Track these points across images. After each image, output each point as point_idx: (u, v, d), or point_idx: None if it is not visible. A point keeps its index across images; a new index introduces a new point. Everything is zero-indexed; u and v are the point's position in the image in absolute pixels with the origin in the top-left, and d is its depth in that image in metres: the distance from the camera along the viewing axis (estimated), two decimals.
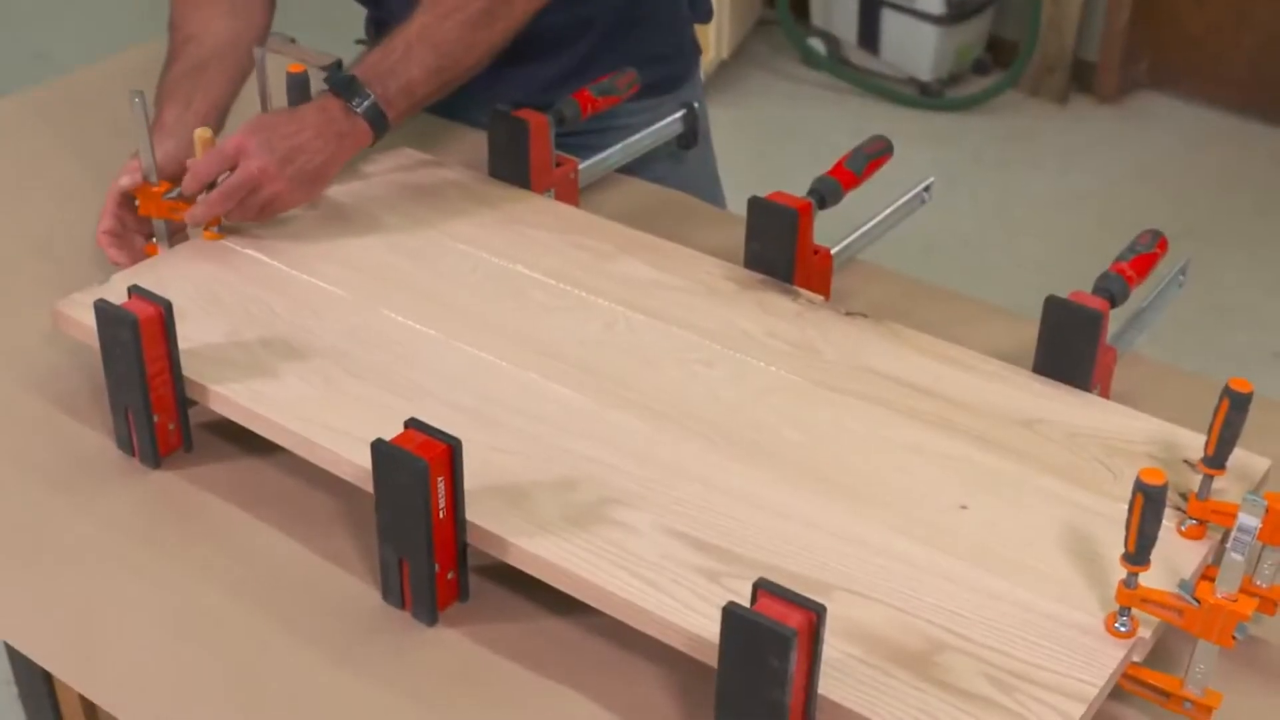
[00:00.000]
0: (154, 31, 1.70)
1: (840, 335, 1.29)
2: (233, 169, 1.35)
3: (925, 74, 4.17)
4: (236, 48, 1.52)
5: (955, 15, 4.09)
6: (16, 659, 1.55)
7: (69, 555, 1.18)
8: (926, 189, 1.52)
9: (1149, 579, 0.98)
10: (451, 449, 1.05)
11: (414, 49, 1.42)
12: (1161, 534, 0.97)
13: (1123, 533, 0.98)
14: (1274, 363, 3.15)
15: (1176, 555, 1.04)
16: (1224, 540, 1.02)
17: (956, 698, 0.94)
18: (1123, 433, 1.18)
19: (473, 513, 1.08)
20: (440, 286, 1.35)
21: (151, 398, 1.21)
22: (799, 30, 4.34)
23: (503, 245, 1.41)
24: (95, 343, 1.22)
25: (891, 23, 4.16)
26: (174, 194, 1.39)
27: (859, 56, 4.29)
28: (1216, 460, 1.07)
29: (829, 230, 1.42)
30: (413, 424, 1.07)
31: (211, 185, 1.37)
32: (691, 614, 1.00)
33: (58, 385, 1.34)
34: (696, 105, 1.71)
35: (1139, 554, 0.97)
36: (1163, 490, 0.95)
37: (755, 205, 1.37)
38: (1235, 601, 0.95)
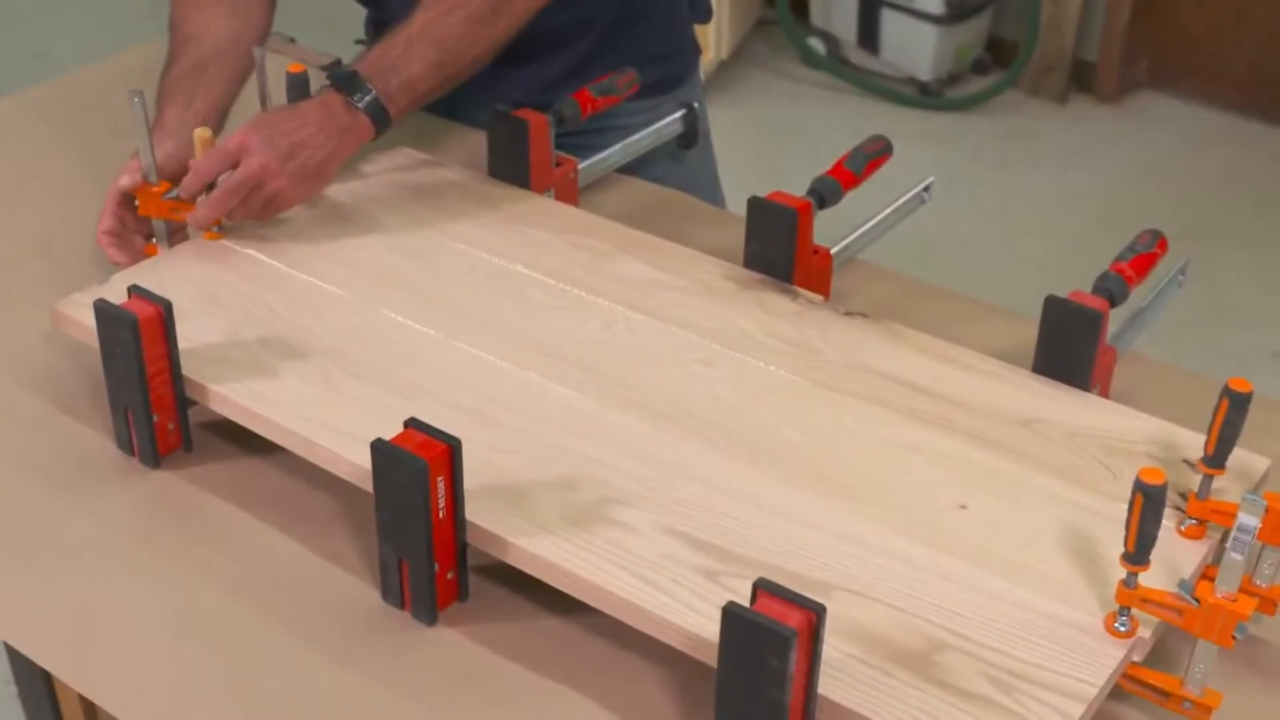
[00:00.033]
0: (154, 31, 1.70)
1: (840, 335, 1.29)
2: (234, 167, 1.35)
3: (925, 74, 4.17)
4: (237, 48, 1.52)
5: (955, 15, 4.09)
6: (16, 659, 1.55)
7: (69, 555, 1.18)
8: (926, 189, 1.52)
9: (1149, 579, 0.98)
10: (451, 449, 1.05)
11: (415, 45, 1.42)
12: (1161, 534, 0.97)
13: (1122, 532, 0.98)
14: (1273, 362, 3.15)
15: (1176, 555, 1.04)
16: (1224, 540, 1.02)
17: (956, 697, 0.94)
18: (1122, 432, 1.18)
19: (472, 512, 1.08)
20: (440, 286, 1.35)
21: (151, 397, 1.21)
22: (798, 30, 4.34)
23: (502, 245, 1.41)
24: (95, 343, 1.22)
25: (891, 22, 4.16)
26: (174, 194, 1.39)
27: (858, 56, 4.29)
28: (1216, 460, 1.07)
29: (828, 230, 1.42)
30: (412, 424, 1.07)
31: (211, 186, 1.37)
32: (691, 614, 1.00)
33: (57, 385, 1.34)
34: (696, 105, 1.71)
35: (1139, 554, 0.97)
36: (1162, 490, 0.95)
37: (755, 205, 1.37)
38: (1235, 601, 0.95)
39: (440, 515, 1.06)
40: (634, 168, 1.66)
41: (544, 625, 1.10)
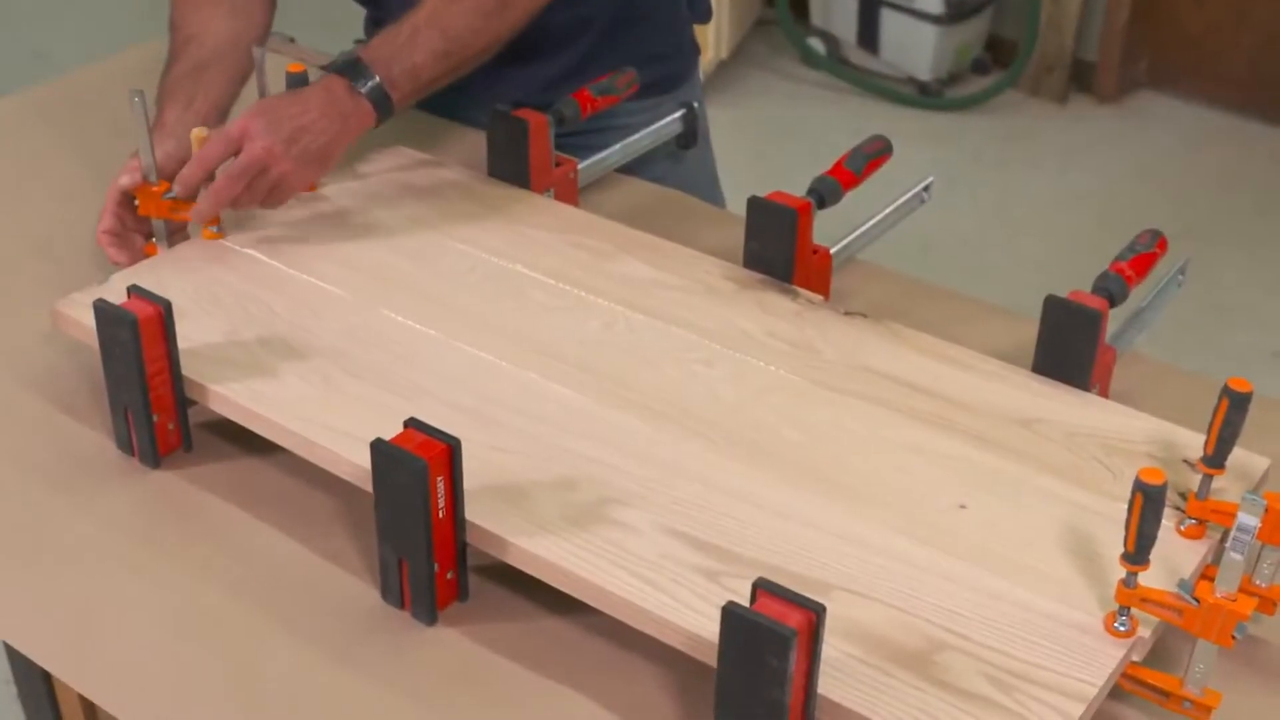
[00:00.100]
0: (154, 31, 1.70)
1: (839, 335, 1.29)
2: (237, 154, 1.34)
3: (924, 73, 4.17)
4: (237, 48, 1.52)
5: (954, 15, 4.09)
6: (16, 658, 1.55)
7: (68, 555, 1.18)
8: (926, 189, 1.52)
9: (1148, 578, 0.98)
10: (451, 448, 1.05)
11: (421, 33, 1.42)
12: (1161, 533, 0.97)
13: (1122, 532, 0.98)
14: (1273, 362, 3.15)
15: (1176, 555, 1.04)
16: (1223, 540, 1.02)
17: (956, 697, 0.94)
18: (1122, 432, 1.18)
19: (472, 512, 1.08)
20: (440, 286, 1.35)
21: (151, 397, 1.21)
22: (798, 30, 4.34)
23: (502, 245, 1.41)
24: (95, 342, 1.22)
25: (891, 22, 4.16)
26: (174, 194, 1.39)
27: (858, 56, 4.29)
28: (1216, 460, 1.07)
29: (828, 230, 1.42)
30: (412, 423, 1.07)
31: (211, 180, 1.37)
32: (691, 613, 1.00)
33: (57, 385, 1.34)
34: (696, 105, 1.72)
35: (1138, 553, 0.97)
36: (1162, 490, 0.95)
37: (754, 205, 1.37)
38: (1234, 601, 0.95)
39: (440, 515, 1.06)
40: (634, 168, 1.66)
41: (544, 625, 1.10)
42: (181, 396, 1.23)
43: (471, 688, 1.06)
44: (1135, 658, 0.99)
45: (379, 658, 1.08)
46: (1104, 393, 1.25)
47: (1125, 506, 0.97)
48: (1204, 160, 3.93)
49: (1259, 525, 0.94)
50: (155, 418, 1.22)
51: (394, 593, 1.11)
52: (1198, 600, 0.96)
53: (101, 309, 1.20)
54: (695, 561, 1.04)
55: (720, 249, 1.42)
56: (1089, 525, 1.08)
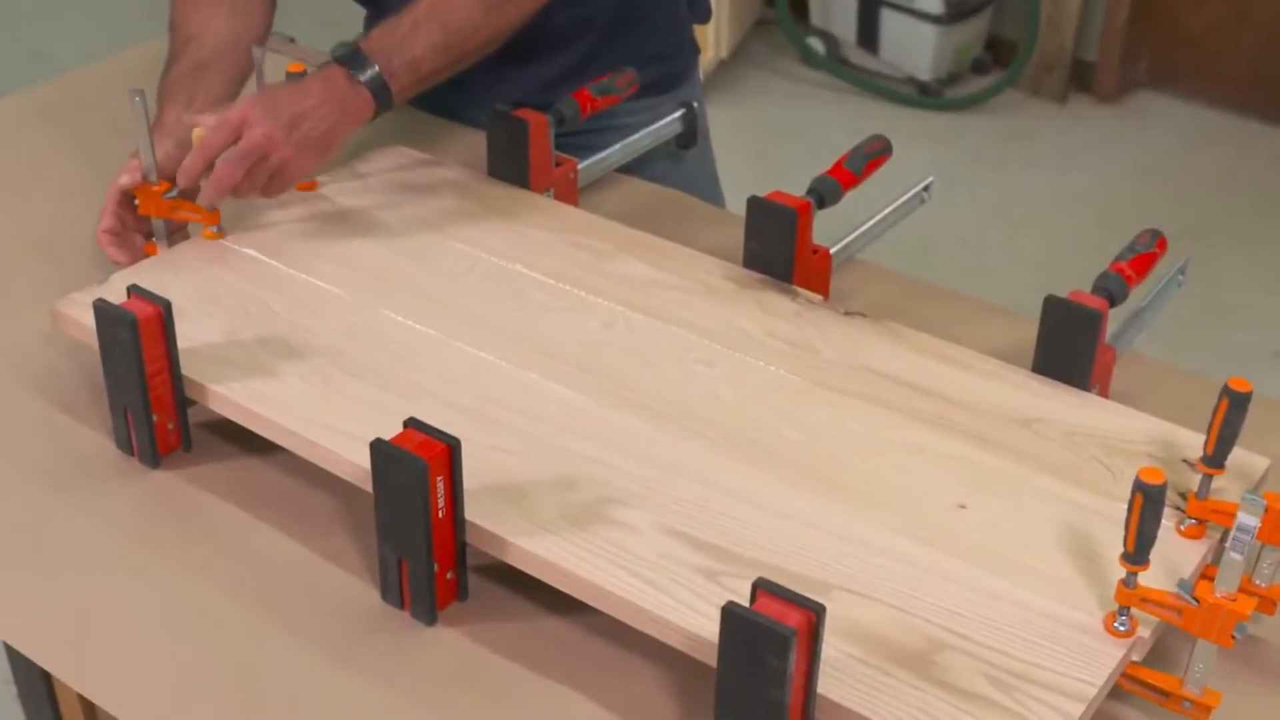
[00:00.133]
0: (154, 31, 1.70)
1: (839, 335, 1.29)
2: (237, 142, 1.34)
3: (924, 73, 4.17)
4: (237, 48, 1.52)
5: (954, 15, 4.09)
6: (16, 658, 1.55)
7: (68, 555, 1.18)
8: (926, 188, 1.52)
9: (1148, 578, 0.98)
10: (450, 448, 1.05)
11: (421, 25, 1.42)
12: (1161, 533, 0.97)
13: (1122, 532, 0.98)
14: (1273, 362, 3.15)
15: (1176, 555, 1.04)
16: (1223, 540, 1.02)
17: (956, 697, 0.94)
18: (1122, 432, 1.18)
19: (472, 512, 1.08)
20: (439, 286, 1.35)
21: (150, 397, 1.21)
22: (798, 30, 4.34)
23: (502, 245, 1.41)
24: (94, 342, 1.22)
25: (890, 22, 4.16)
26: (174, 193, 1.39)
27: (858, 56, 4.29)
28: (1216, 459, 1.07)
29: (828, 230, 1.42)
30: (412, 423, 1.07)
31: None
32: (691, 613, 1.00)
33: (57, 385, 1.34)
34: (695, 105, 1.72)
35: (1138, 553, 0.97)
36: (1162, 489, 0.95)
37: (754, 205, 1.37)
38: (1234, 601, 0.95)
39: (440, 515, 1.06)
40: (633, 168, 1.66)
41: (544, 625, 1.10)
42: (181, 396, 1.23)
43: (471, 688, 1.06)
44: (1135, 657, 0.99)
45: (379, 658, 1.08)
46: (1104, 393, 1.25)
47: (1125, 506, 0.97)
48: (1203, 160, 3.93)
49: (1259, 525, 0.94)
50: (155, 418, 1.22)
51: (394, 593, 1.11)
52: (1197, 600, 0.96)
53: (101, 309, 1.20)
54: (695, 561, 1.04)
55: (720, 249, 1.42)
56: (1089, 525, 1.08)
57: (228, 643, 1.10)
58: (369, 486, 1.09)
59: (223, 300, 1.32)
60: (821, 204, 1.40)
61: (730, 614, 0.91)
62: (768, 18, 4.45)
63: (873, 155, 1.47)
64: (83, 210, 1.50)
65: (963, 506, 1.10)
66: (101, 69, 1.91)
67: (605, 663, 1.07)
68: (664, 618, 1.00)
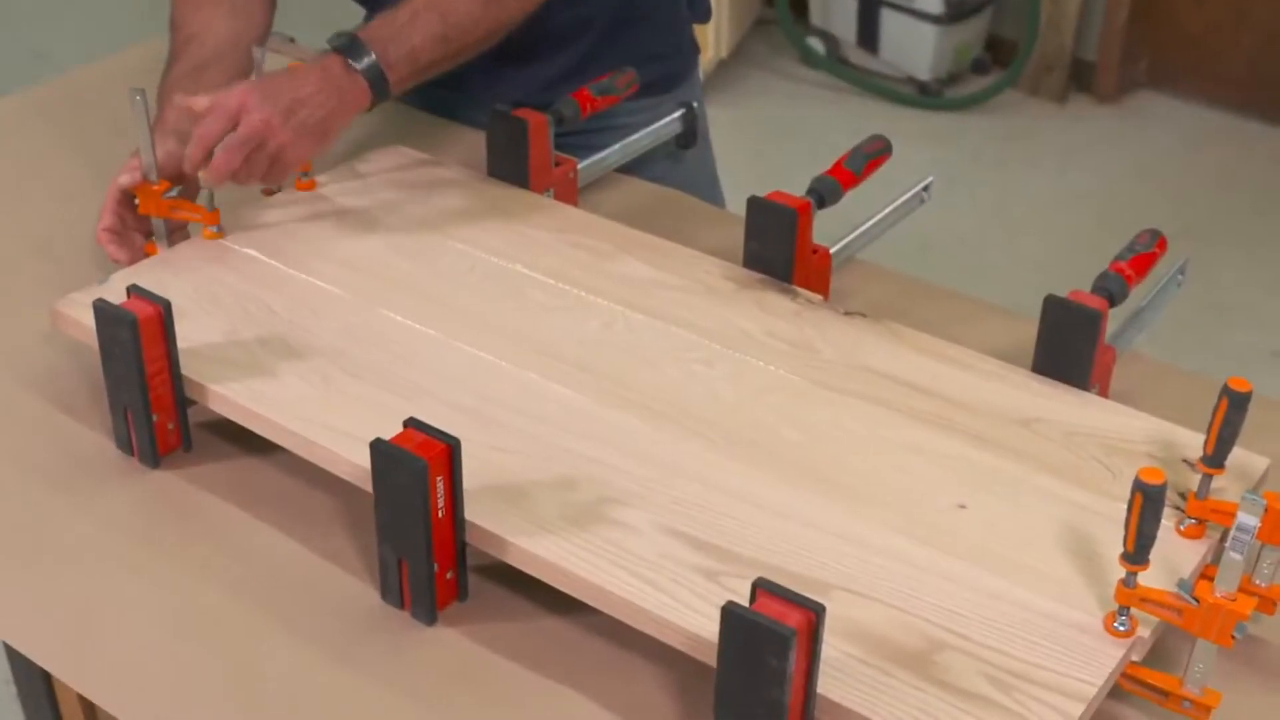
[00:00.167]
0: (154, 31, 1.70)
1: (839, 334, 1.29)
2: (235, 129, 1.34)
3: (924, 73, 4.18)
4: (237, 48, 1.52)
5: (954, 14, 4.09)
6: (15, 658, 1.55)
7: (68, 555, 1.18)
8: (925, 188, 1.52)
9: (1148, 578, 0.98)
10: (450, 448, 1.05)
11: (421, 16, 1.42)
12: (1160, 533, 0.97)
13: (1121, 532, 0.98)
14: (1273, 362, 3.15)
15: (1175, 554, 1.04)
16: (1223, 539, 1.02)
17: (956, 697, 0.94)
18: (1121, 432, 1.18)
19: (472, 512, 1.08)
20: (439, 286, 1.35)
21: (150, 397, 1.21)
22: (798, 30, 4.34)
23: (501, 245, 1.41)
24: (94, 342, 1.22)
25: (890, 22, 4.16)
26: (174, 192, 1.39)
27: (858, 56, 4.30)
28: (1215, 459, 1.07)
29: (828, 229, 1.42)
30: (412, 423, 1.07)
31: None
32: (690, 613, 1.00)
33: (57, 385, 1.34)
34: (695, 105, 1.72)
35: (1138, 553, 0.97)
36: (1161, 489, 0.95)
37: (754, 205, 1.37)
38: (1234, 601, 0.95)
39: (439, 515, 1.06)
40: (633, 167, 1.66)
41: (543, 625, 1.10)
42: (181, 396, 1.23)
43: (471, 687, 1.06)
44: (1135, 657, 0.99)
45: (378, 657, 1.08)
46: (1103, 392, 1.25)
47: (1125, 506, 0.97)
48: (1203, 160, 3.94)
49: (1258, 525, 0.94)
50: (155, 418, 1.22)
51: (393, 592, 1.11)
52: (1197, 600, 0.96)
53: (101, 309, 1.20)
54: (695, 561, 1.04)
55: (720, 249, 1.42)
56: (1088, 525, 1.08)
57: (228, 643, 1.10)
58: (369, 486, 1.09)
59: (223, 300, 1.32)
60: (821, 204, 1.40)
61: (730, 614, 0.91)
62: (767, 17, 4.45)
63: (872, 155, 1.47)
64: (83, 210, 1.50)
65: (962, 506, 1.10)
66: (101, 69, 1.91)
67: (605, 663, 1.07)
68: (664, 618, 1.00)
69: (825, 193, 1.40)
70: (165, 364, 1.21)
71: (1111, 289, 1.25)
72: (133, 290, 1.20)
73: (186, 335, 1.24)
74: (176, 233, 1.43)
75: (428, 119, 1.73)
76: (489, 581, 1.13)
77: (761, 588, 0.92)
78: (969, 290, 1.47)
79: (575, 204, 1.54)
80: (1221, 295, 3.31)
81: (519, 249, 1.41)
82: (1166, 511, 1.00)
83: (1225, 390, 1.05)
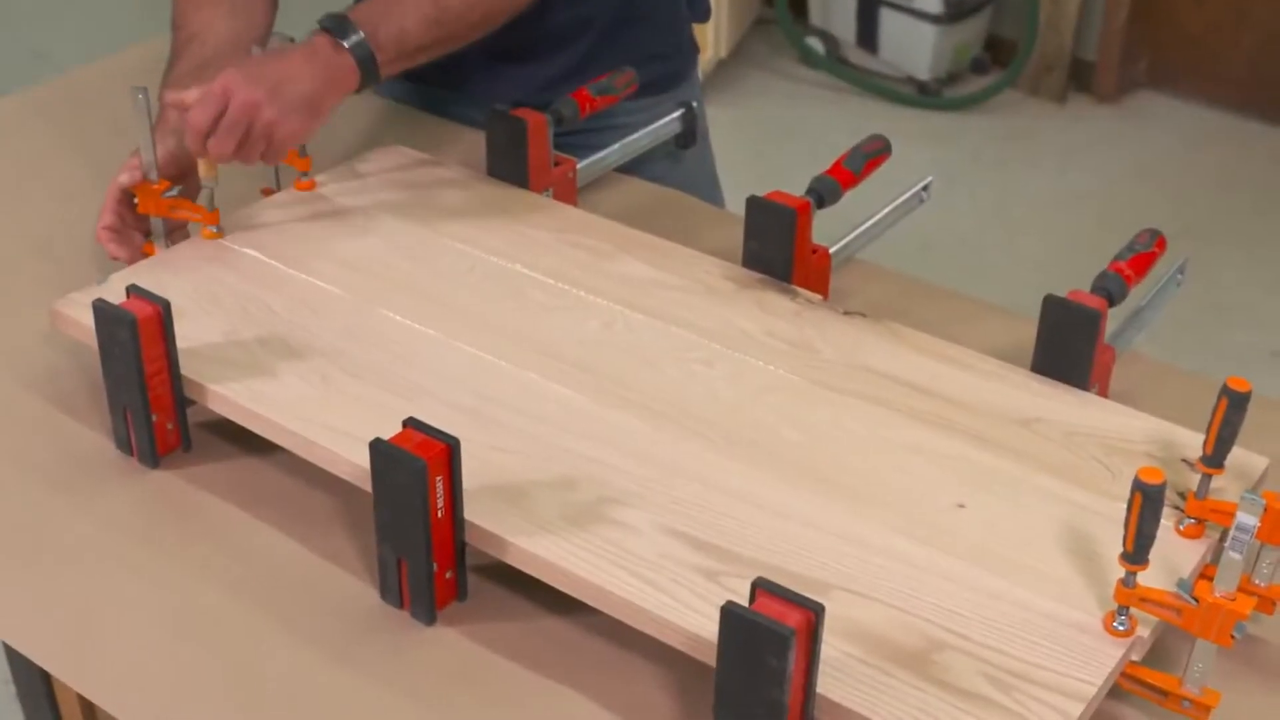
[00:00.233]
0: (154, 31, 1.70)
1: (839, 334, 1.29)
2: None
3: (924, 73, 4.18)
4: (238, 48, 1.52)
5: (953, 14, 4.09)
6: (15, 658, 1.55)
7: (68, 555, 1.18)
8: (925, 188, 1.52)
9: (1147, 578, 0.98)
10: (450, 448, 1.05)
11: None
12: (1160, 533, 0.97)
13: (1121, 532, 0.98)
14: (1272, 361, 3.15)
15: (1175, 554, 1.05)
16: (1222, 539, 1.02)
17: (955, 697, 0.94)
18: (1121, 432, 1.18)
19: (471, 512, 1.08)
20: (439, 286, 1.35)
21: (150, 397, 1.21)
22: (797, 29, 4.34)
23: (501, 245, 1.41)
24: (94, 342, 1.22)
25: (890, 22, 4.16)
26: (173, 192, 1.39)
27: (857, 56, 4.29)
28: (1215, 459, 1.07)
29: (827, 229, 1.42)
30: (411, 423, 1.07)
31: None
32: (690, 613, 1.00)
33: (56, 385, 1.34)
34: (695, 104, 1.72)
35: (1137, 553, 0.97)
36: (1161, 489, 0.95)
37: (754, 204, 1.37)
38: (1233, 600, 0.95)
39: (439, 515, 1.06)
40: (632, 167, 1.66)
41: (543, 625, 1.10)
42: (180, 396, 1.23)
43: (471, 687, 1.06)
44: (1134, 657, 0.99)
45: (378, 657, 1.08)
46: (1103, 392, 1.25)
47: (1124, 506, 0.97)
48: (1203, 160, 3.94)
49: (1258, 525, 0.94)
50: (154, 417, 1.22)
51: (393, 592, 1.11)
52: (1197, 600, 0.96)
53: (100, 309, 1.20)
54: (695, 561, 1.04)
55: (719, 249, 1.42)
56: (1088, 525, 1.08)
57: (227, 642, 1.10)
58: (368, 486, 1.09)
59: (222, 300, 1.32)
60: (821, 204, 1.40)
61: (729, 614, 0.91)
62: (767, 17, 4.45)
63: (872, 155, 1.47)
64: (83, 210, 1.50)
65: (962, 506, 1.10)
66: (101, 68, 1.91)
67: (605, 663, 1.07)
68: (664, 618, 1.00)
69: (825, 192, 1.40)
70: (165, 364, 1.21)
71: (1111, 289, 1.25)
72: (132, 290, 1.20)
73: (186, 335, 1.24)
74: (176, 232, 1.43)
75: (428, 119, 1.73)
76: (488, 581, 1.13)
77: (761, 587, 0.92)
78: (969, 290, 1.47)
79: (575, 204, 1.54)
80: (1221, 295, 3.31)
81: (519, 249, 1.41)
82: (1166, 511, 1.00)
83: (1225, 390, 1.05)
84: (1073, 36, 4.12)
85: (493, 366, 1.25)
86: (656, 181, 1.66)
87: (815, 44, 4.33)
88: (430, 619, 1.10)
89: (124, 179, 1.40)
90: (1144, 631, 0.99)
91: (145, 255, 1.40)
